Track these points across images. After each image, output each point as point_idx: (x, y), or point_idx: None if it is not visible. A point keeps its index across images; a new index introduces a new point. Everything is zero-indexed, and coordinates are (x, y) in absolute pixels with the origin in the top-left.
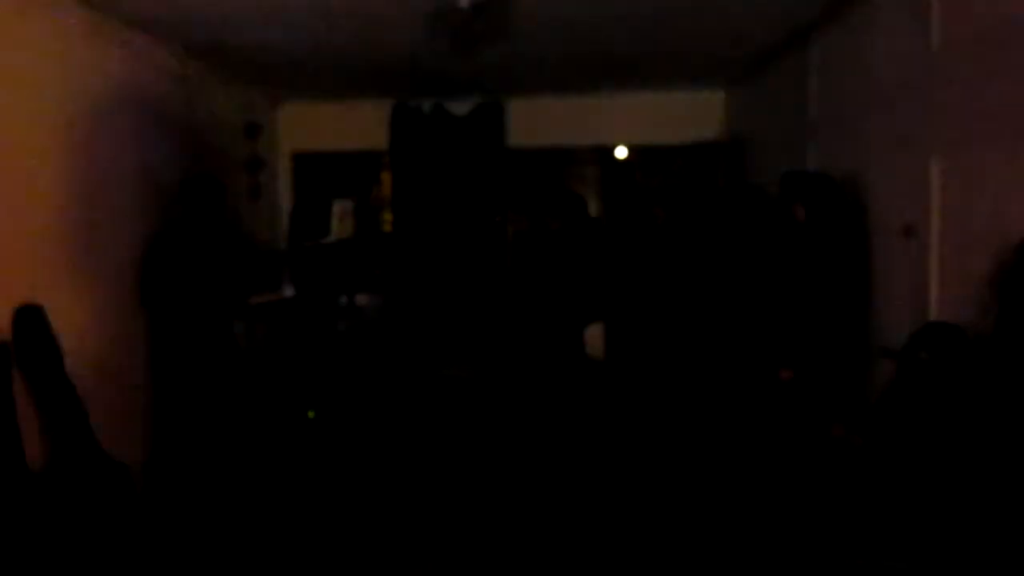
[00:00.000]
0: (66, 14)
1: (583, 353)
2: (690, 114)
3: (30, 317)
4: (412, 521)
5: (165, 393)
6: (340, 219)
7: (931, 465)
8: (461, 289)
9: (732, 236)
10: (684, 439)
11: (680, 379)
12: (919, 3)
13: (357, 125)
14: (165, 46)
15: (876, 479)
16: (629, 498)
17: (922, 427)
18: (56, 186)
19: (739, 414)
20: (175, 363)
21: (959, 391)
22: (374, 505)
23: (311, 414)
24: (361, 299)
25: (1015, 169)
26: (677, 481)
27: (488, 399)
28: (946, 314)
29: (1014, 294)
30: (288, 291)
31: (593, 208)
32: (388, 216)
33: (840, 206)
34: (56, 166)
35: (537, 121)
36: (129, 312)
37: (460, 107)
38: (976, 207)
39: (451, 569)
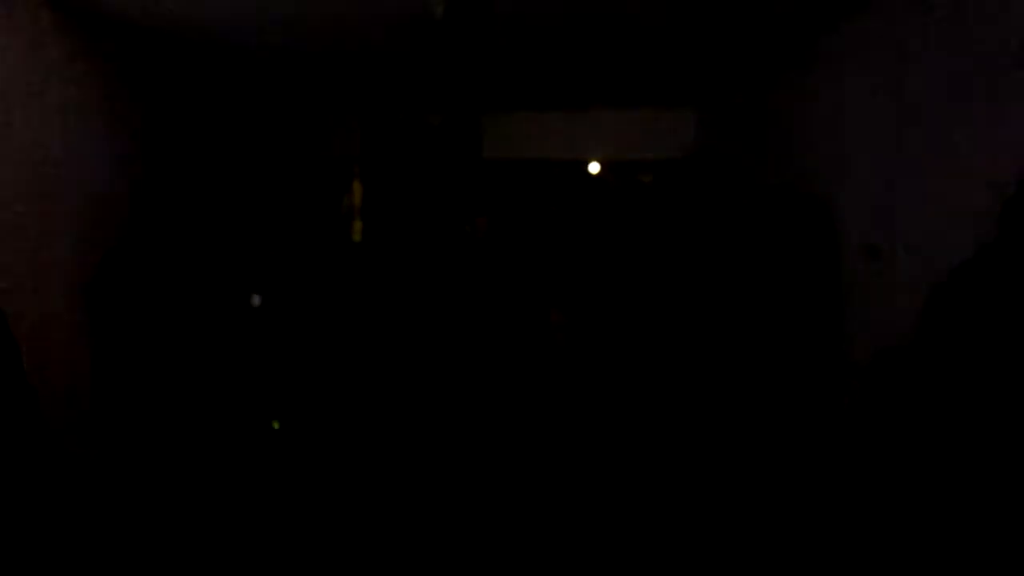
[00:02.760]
0: (33, 15)
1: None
2: (662, 132)
3: None
4: (382, 528)
5: (119, 401)
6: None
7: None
8: (428, 296)
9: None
10: None
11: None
12: (893, 30)
13: (329, 133)
14: (133, 50)
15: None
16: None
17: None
18: (10, 193)
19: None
20: (130, 372)
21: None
22: (340, 516)
23: (276, 424)
24: (328, 307)
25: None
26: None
27: (458, 403)
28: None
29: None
30: (254, 300)
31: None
32: (358, 225)
33: (803, 224)
34: (13, 169)
35: (512, 134)
36: (81, 317)
37: (435, 117)
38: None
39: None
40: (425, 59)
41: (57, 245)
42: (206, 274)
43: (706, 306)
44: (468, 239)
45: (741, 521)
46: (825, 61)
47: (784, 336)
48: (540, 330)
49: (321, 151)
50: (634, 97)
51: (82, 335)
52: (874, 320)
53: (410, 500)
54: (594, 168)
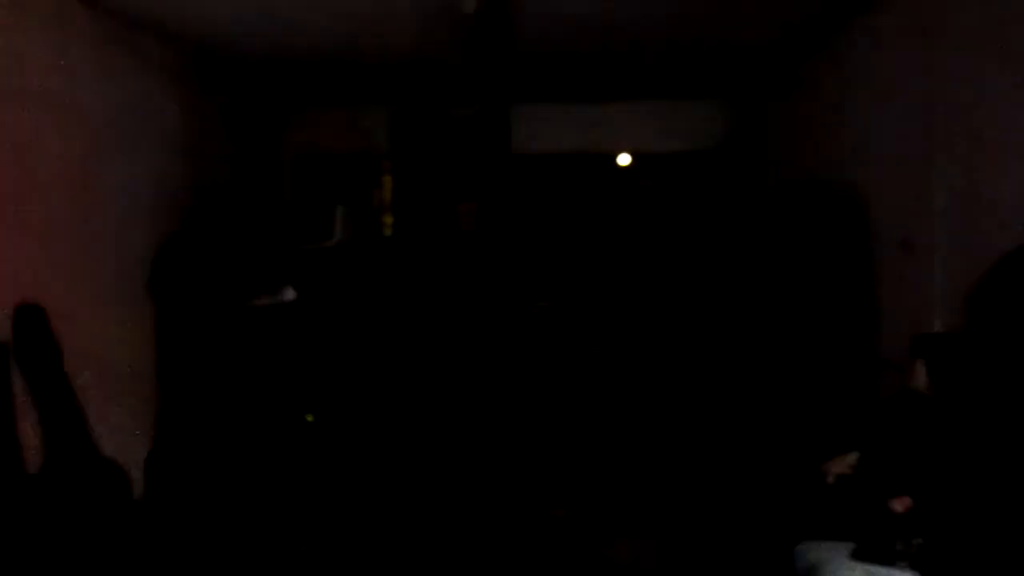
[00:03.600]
0: (73, 19)
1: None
2: (691, 124)
3: (30, 317)
4: (408, 531)
5: (170, 393)
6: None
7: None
8: (457, 290)
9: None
10: None
11: None
12: (921, 17)
13: (358, 128)
14: (172, 50)
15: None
16: None
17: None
18: (60, 188)
19: None
20: (180, 363)
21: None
22: (372, 509)
23: (310, 418)
24: (360, 301)
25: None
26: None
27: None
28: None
29: (987, 310)
30: (289, 294)
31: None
32: (388, 220)
33: (837, 218)
34: (61, 168)
35: (540, 127)
36: (135, 313)
37: (464, 111)
38: (978, 219)
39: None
40: (455, 53)
41: (104, 241)
42: (246, 269)
43: (737, 300)
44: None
45: (774, 513)
46: (856, 52)
47: (816, 330)
48: (571, 323)
49: (350, 146)
50: (663, 89)
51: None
52: (907, 314)
53: (435, 490)
54: (623, 160)
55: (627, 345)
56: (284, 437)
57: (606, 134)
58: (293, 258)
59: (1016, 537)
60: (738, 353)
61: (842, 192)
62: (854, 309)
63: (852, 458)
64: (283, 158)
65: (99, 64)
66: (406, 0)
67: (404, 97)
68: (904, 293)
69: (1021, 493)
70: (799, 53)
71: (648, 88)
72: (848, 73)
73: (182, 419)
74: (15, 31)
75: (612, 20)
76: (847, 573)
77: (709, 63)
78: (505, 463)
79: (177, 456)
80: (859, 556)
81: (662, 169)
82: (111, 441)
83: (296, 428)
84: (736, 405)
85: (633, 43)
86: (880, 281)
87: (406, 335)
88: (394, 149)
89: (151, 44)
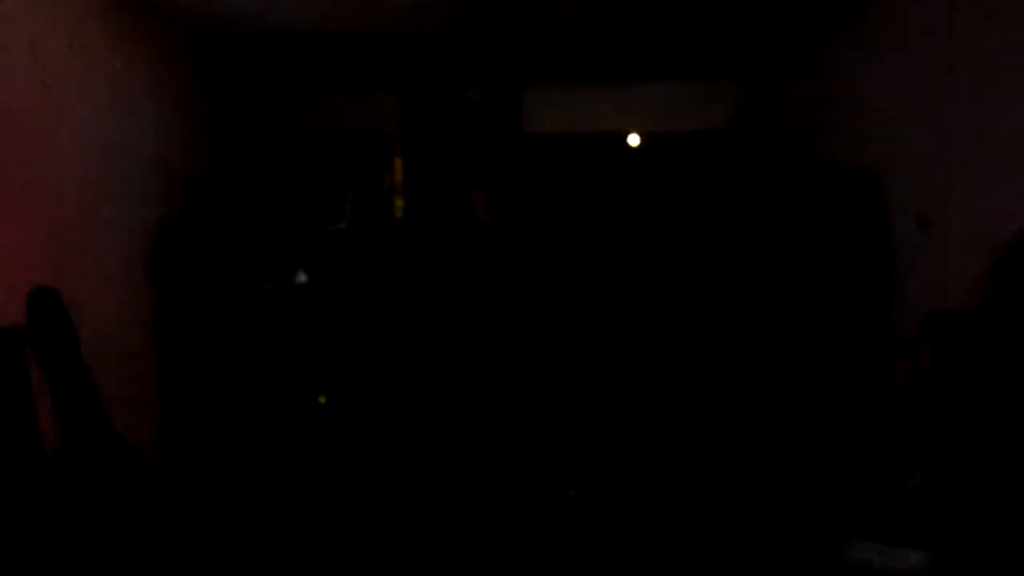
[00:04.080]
0: (83, 5)
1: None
2: (703, 104)
3: (45, 300)
4: (421, 512)
5: (173, 376)
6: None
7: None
8: (468, 274)
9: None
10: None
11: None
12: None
13: (370, 110)
14: (181, 33)
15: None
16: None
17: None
18: (71, 171)
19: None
20: (184, 347)
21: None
22: (384, 493)
23: (322, 400)
24: (372, 284)
25: None
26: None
27: (496, 386)
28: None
29: (1006, 288)
30: (301, 277)
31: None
32: (400, 202)
33: (853, 196)
34: (71, 151)
35: (550, 108)
36: (143, 297)
37: (475, 92)
38: (995, 198)
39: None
40: (466, 34)
41: (116, 224)
42: (255, 252)
43: (751, 281)
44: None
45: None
46: (872, 30)
47: (831, 310)
48: (582, 311)
49: (361, 128)
50: (675, 69)
51: (145, 310)
52: (923, 293)
53: (447, 473)
54: (633, 140)
55: (642, 328)
56: (296, 418)
57: (617, 114)
58: (305, 241)
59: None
60: (753, 335)
61: (858, 171)
62: (870, 289)
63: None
64: (295, 141)
65: (108, 49)
66: None
67: (415, 79)
68: (920, 272)
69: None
70: (813, 32)
71: (661, 68)
72: (865, 51)
73: (192, 403)
74: (25, 20)
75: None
76: (858, 552)
77: (722, 42)
78: (517, 444)
79: (187, 439)
80: (870, 534)
81: (674, 149)
82: (122, 424)
83: (309, 409)
84: (751, 388)
85: (646, 22)
86: (896, 261)
87: (418, 318)
88: (405, 131)
89: (160, 27)
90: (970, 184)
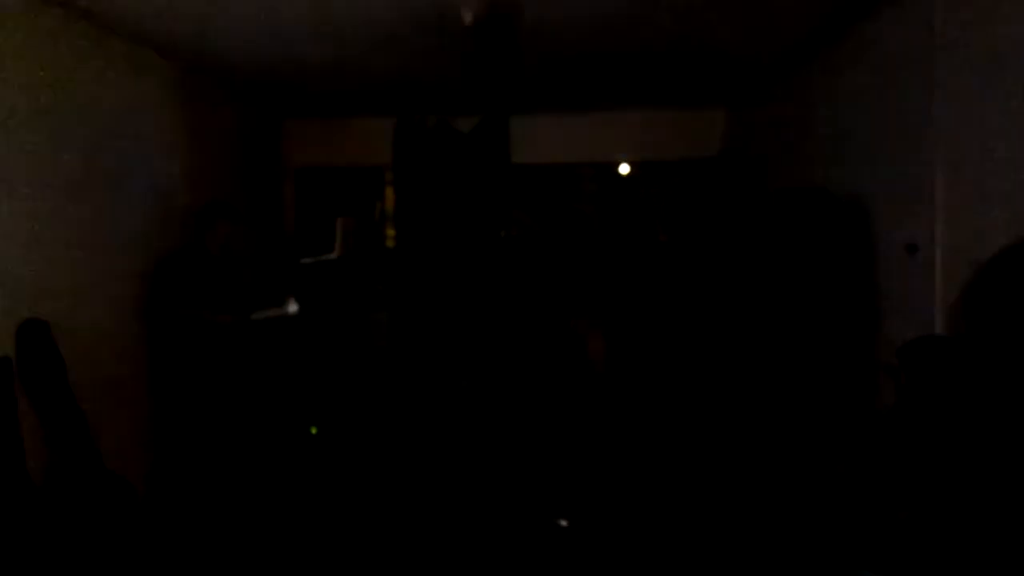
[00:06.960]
0: (70, 32)
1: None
2: (692, 132)
3: (33, 331)
4: (411, 543)
5: (166, 408)
6: (343, 236)
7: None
8: (462, 302)
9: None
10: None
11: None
12: (920, 25)
13: (360, 140)
14: (168, 63)
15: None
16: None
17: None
18: (63, 204)
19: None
20: (176, 378)
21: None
22: (374, 523)
23: (313, 430)
24: (364, 314)
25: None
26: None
27: (491, 408)
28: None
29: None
30: (292, 307)
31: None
32: (391, 232)
33: (838, 223)
34: (63, 184)
35: (539, 138)
36: (134, 328)
37: (465, 123)
38: (980, 221)
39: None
40: (454, 65)
41: (111, 258)
42: (246, 283)
43: (739, 305)
44: (501, 244)
45: (783, 519)
46: (854, 58)
47: (818, 335)
48: (574, 337)
49: (352, 158)
50: (662, 97)
51: (138, 343)
52: (909, 318)
53: (437, 501)
54: (623, 169)
55: (631, 352)
56: (287, 449)
57: (606, 143)
58: (295, 271)
59: (1005, 542)
60: (740, 359)
61: (844, 197)
62: (856, 314)
63: None
64: (286, 170)
65: (97, 81)
66: (404, 14)
67: (406, 109)
68: (905, 297)
69: (1005, 500)
70: (798, 60)
71: (649, 96)
72: (847, 79)
73: (185, 434)
74: (23, 49)
75: (612, 29)
76: None
77: (710, 71)
78: (509, 474)
79: (179, 470)
80: (867, 566)
81: (663, 176)
82: (112, 456)
83: (300, 440)
84: (738, 411)
85: (633, 53)
86: (882, 286)
87: (410, 346)
88: (397, 161)
89: (151, 57)
90: (955, 208)
